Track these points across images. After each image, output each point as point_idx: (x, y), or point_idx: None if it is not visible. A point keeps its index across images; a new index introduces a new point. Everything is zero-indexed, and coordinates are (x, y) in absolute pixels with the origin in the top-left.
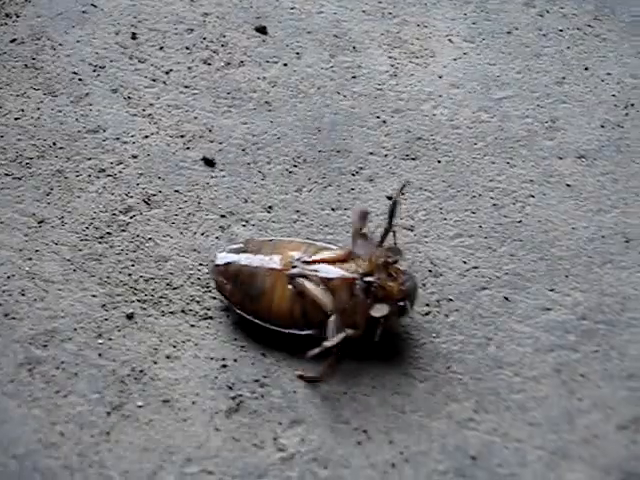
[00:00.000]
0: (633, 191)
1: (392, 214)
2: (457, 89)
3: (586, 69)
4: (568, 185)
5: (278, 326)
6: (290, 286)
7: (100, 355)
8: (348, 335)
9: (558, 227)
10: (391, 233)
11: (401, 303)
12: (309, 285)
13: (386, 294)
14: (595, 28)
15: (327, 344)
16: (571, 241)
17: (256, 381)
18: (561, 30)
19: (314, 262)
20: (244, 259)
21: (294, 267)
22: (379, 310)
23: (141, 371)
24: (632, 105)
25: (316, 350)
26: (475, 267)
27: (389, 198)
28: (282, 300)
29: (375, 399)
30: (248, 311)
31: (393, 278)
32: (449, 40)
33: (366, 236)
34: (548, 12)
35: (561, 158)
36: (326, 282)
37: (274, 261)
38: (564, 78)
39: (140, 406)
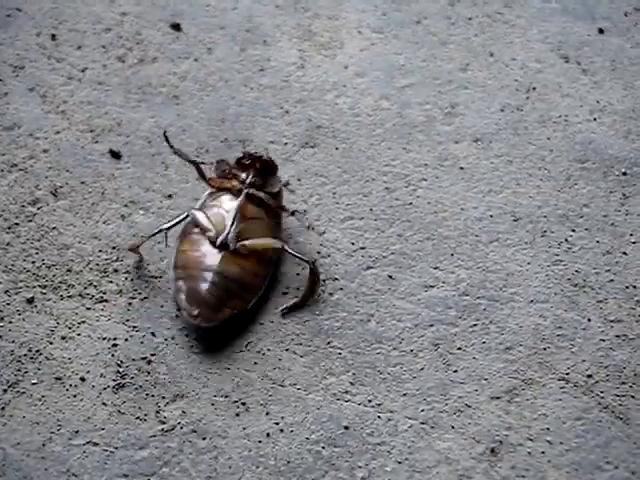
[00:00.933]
0: (526, 172)
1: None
2: (361, 78)
3: (491, 55)
4: (461, 168)
5: None
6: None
7: (0, 337)
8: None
9: (447, 208)
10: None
11: (271, 163)
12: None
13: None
14: (505, 15)
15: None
16: (459, 221)
17: (143, 359)
18: (470, 18)
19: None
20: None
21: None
22: (275, 185)
23: (37, 351)
24: (534, 89)
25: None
26: (362, 247)
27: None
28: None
29: (256, 374)
30: None
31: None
32: (358, 32)
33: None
34: (459, 1)
35: (457, 142)
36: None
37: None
38: (468, 65)
39: (34, 383)
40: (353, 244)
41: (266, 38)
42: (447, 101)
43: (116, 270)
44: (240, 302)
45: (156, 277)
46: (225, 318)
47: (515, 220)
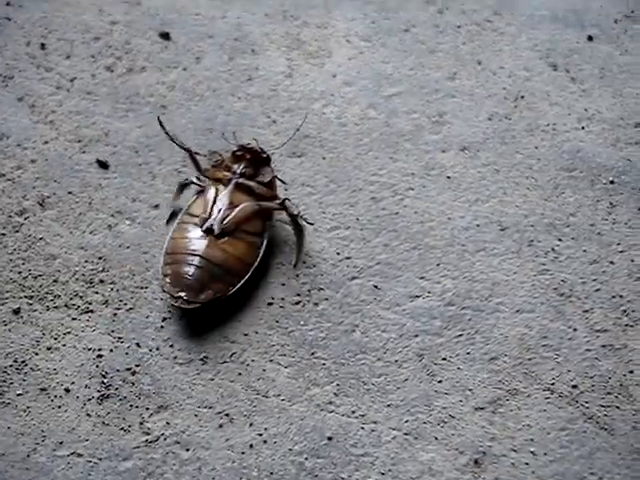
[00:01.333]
0: (513, 181)
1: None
2: (349, 87)
3: (479, 63)
4: (448, 177)
5: None
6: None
7: None
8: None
9: (434, 218)
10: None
11: (263, 155)
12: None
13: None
14: (494, 23)
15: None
16: (445, 230)
17: (128, 369)
18: (459, 26)
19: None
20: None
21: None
22: (266, 175)
23: (23, 362)
24: (522, 97)
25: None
26: (348, 257)
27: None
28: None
29: (240, 385)
30: None
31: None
32: (347, 40)
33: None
34: (447, 9)
35: (444, 151)
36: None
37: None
38: (456, 73)
39: (19, 394)
40: (339, 254)
41: (254, 47)
42: (435, 110)
43: (102, 281)
44: (223, 286)
45: (142, 287)
46: (207, 300)
47: (502, 229)
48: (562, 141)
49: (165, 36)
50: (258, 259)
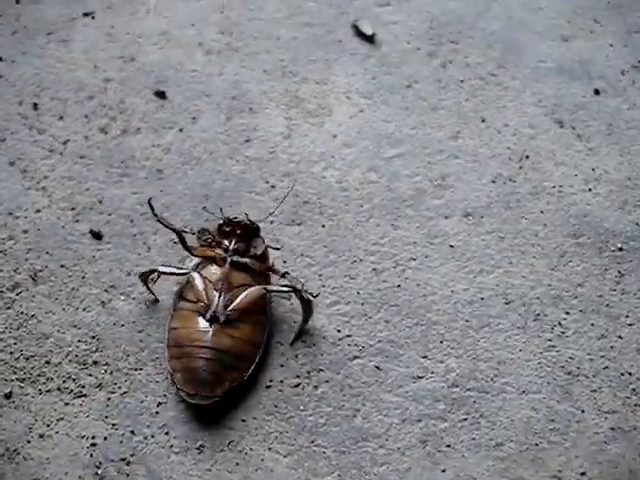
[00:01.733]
0: (519, 249)
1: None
2: (349, 149)
3: (483, 121)
4: (451, 246)
5: None
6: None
7: None
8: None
9: (437, 290)
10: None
11: (253, 226)
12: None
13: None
14: (498, 76)
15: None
16: (449, 305)
17: (123, 459)
18: (462, 81)
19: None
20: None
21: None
22: (258, 247)
23: (15, 450)
24: (527, 157)
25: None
26: (349, 335)
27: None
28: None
29: (238, 476)
30: None
31: (225, 235)
32: (347, 97)
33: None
34: (451, 62)
35: (447, 217)
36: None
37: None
38: (459, 132)
39: None
40: (339, 331)
41: (252, 105)
42: (437, 172)
43: (95, 362)
44: (237, 374)
45: (136, 369)
46: (224, 392)
47: (507, 303)
48: (568, 204)
49: (161, 94)
50: (265, 337)
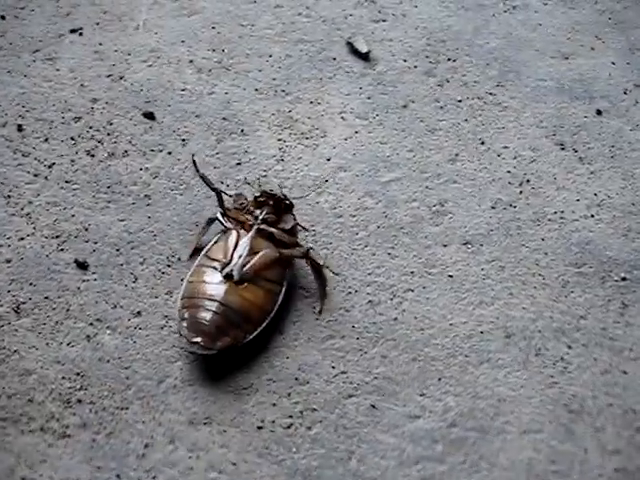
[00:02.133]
0: (520, 279)
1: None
2: (344, 172)
3: (482, 143)
4: (450, 276)
5: None
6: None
7: None
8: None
9: (435, 324)
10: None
11: (286, 202)
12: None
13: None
14: (497, 96)
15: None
16: (447, 339)
17: None
18: (460, 100)
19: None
20: None
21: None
22: (288, 222)
23: None
24: (527, 181)
25: None
26: (343, 372)
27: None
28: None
29: None
30: None
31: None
32: (342, 117)
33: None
34: (448, 81)
35: (445, 245)
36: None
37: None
38: (457, 155)
39: None
40: (334, 367)
41: (244, 127)
42: (435, 197)
43: (80, 400)
44: (240, 333)
45: (122, 408)
46: (223, 348)
47: (507, 336)
48: (570, 231)
49: (149, 116)
50: (276, 307)
